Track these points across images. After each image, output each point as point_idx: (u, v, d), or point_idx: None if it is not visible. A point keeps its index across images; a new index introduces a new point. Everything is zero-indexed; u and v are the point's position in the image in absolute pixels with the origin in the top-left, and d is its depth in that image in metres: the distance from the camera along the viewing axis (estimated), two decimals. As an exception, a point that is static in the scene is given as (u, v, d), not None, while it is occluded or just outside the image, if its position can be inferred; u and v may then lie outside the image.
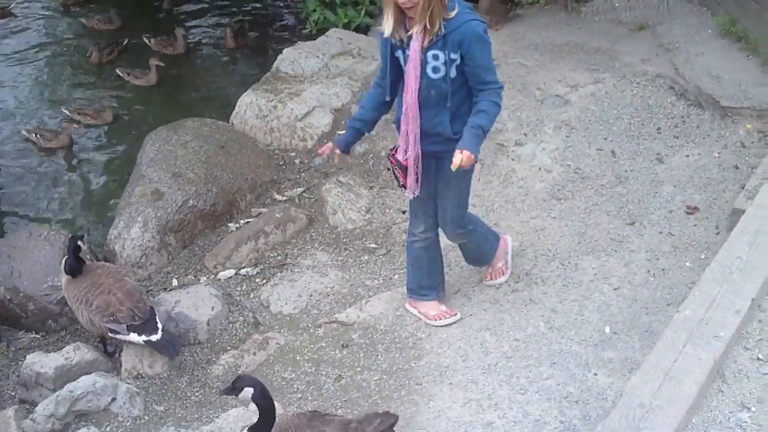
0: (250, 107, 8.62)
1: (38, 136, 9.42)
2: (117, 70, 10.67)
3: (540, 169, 7.39)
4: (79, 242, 6.22)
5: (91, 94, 10.63)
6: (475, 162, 4.98)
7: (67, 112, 9.97)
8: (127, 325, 5.99)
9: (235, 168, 7.88)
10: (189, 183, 7.56)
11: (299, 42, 9.82)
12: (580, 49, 9.01)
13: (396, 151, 5.33)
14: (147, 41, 11.36)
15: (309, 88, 8.72)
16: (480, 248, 6.04)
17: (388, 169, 5.54)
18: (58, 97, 10.62)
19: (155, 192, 7.43)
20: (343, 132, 5.57)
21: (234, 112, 8.76)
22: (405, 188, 5.43)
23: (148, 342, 5.99)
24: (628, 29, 9.36)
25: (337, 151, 5.49)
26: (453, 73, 4.97)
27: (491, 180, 7.36)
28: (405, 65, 5.07)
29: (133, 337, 6.00)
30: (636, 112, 7.93)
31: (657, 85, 8.21)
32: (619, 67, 8.54)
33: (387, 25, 4.97)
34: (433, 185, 5.48)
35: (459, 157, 4.87)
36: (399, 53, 5.09)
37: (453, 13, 4.84)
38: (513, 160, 7.52)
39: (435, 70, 4.97)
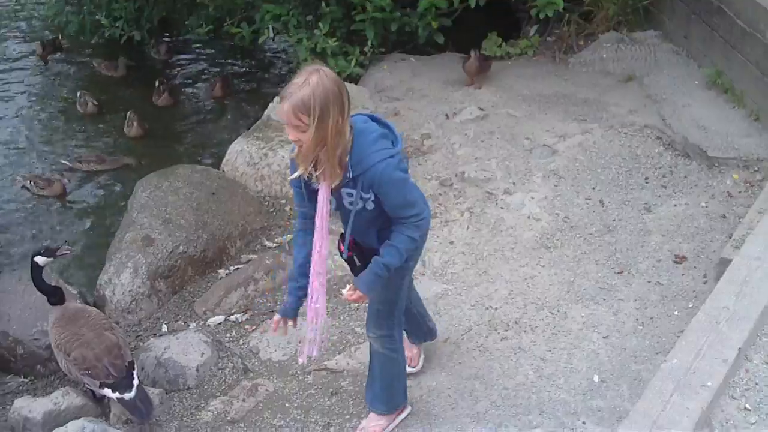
0: (241, 154, 8.67)
1: (32, 183, 9.46)
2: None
3: (529, 217, 7.44)
4: (37, 258, 6.11)
5: (85, 142, 10.73)
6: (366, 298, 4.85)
7: (67, 162, 10.06)
8: (99, 382, 5.94)
9: (225, 215, 7.92)
10: (179, 229, 7.59)
11: (290, 91, 9.90)
12: (568, 100, 9.11)
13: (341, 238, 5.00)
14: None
15: (300, 136, 8.77)
16: (384, 372, 5.42)
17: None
18: (54, 143, 10.71)
19: (146, 238, 7.45)
20: (286, 299, 5.13)
21: (225, 159, 8.81)
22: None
23: (120, 400, 5.88)
24: (616, 80, 9.47)
25: (290, 323, 5.12)
26: (370, 205, 4.65)
27: (480, 228, 7.40)
28: (311, 199, 4.76)
29: (107, 392, 5.92)
30: (624, 161, 8.01)
31: (644, 135, 8.29)
32: (607, 118, 8.62)
33: (298, 165, 4.59)
34: None
35: (351, 293, 4.79)
36: (303, 189, 4.76)
37: (357, 156, 4.50)
38: (502, 208, 7.56)
39: (352, 204, 4.66)
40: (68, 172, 9.89)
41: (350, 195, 4.61)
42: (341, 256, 5.03)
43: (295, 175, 4.59)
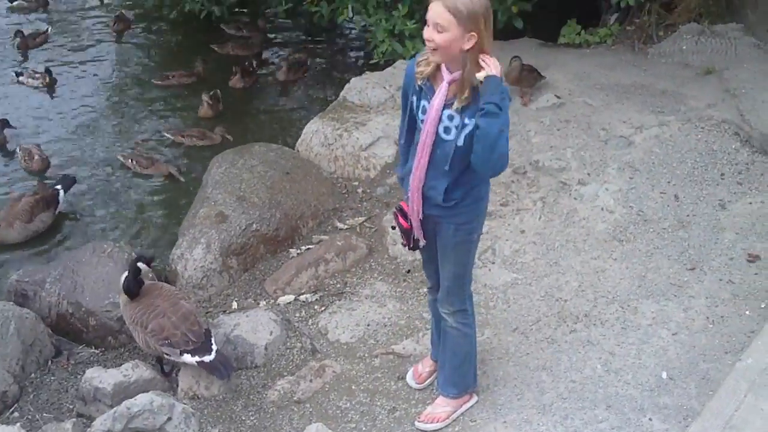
0: (316, 135, 8.72)
1: (134, 162, 9.57)
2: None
3: (602, 209, 7.38)
4: (140, 264, 6.26)
5: (159, 117, 10.88)
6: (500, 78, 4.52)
7: (169, 135, 10.21)
8: (180, 350, 6.07)
9: (298, 194, 7.97)
10: (253, 207, 7.65)
11: (367, 72, 9.92)
12: (645, 91, 9.01)
13: (400, 211, 5.15)
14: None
15: (375, 118, 8.82)
16: (457, 349, 5.47)
17: (393, 228, 5.40)
18: (130, 118, 10.86)
19: (219, 214, 7.53)
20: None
21: (300, 139, 8.88)
22: (407, 247, 5.26)
23: (200, 363, 6.04)
24: (695, 73, 9.35)
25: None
26: (461, 141, 4.65)
27: (553, 218, 7.37)
28: (417, 114, 4.83)
29: (186, 357, 6.06)
30: (700, 156, 7.90)
31: (722, 130, 8.18)
32: (685, 111, 8.52)
33: (424, 68, 4.72)
34: (433, 248, 5.23)
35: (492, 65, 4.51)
36: (413, 99, 4.84)
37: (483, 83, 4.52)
38: (575, 199, 7.52)
39: (446, 130, 4.68)
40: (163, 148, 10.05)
41: (451, 119, 4.61)
42: (398, 226, 5.19)
43: (422, 72, 4.71)
